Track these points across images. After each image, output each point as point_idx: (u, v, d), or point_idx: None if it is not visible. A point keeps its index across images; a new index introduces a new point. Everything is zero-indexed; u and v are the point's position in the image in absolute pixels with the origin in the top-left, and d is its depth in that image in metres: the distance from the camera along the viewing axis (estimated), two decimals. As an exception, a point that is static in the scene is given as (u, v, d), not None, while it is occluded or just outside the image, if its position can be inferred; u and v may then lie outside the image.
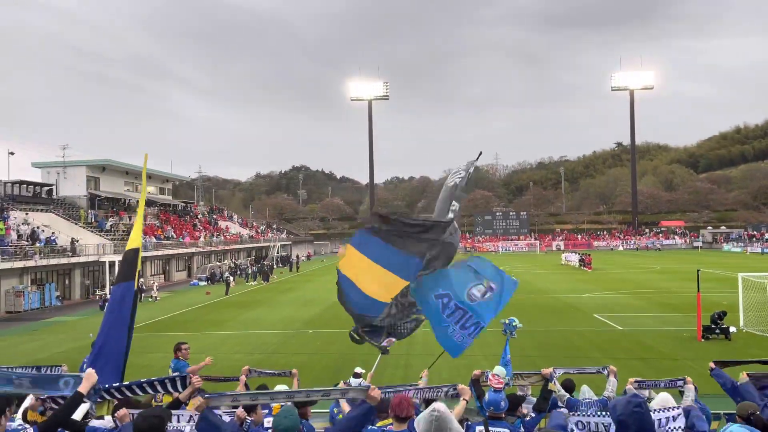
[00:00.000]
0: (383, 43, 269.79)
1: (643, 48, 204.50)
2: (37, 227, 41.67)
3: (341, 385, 5.69)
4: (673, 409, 4.61)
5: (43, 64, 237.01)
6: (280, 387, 7.19)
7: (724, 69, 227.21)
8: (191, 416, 5.17)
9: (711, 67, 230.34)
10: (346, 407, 5.21)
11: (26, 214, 43.77)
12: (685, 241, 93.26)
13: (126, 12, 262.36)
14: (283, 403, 4.83)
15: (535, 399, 7.02)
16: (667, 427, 4.48)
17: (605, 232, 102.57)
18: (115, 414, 4.90)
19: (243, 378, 7.73)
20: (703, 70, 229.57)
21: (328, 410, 8.00)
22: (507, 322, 8.34)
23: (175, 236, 58.78)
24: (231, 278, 44.87)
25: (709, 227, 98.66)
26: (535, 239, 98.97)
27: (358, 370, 9.84)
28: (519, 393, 7.03)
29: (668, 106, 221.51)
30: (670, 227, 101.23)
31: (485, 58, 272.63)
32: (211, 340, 22.68)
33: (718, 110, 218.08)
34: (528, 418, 6.24)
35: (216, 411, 4.35)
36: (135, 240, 7.72)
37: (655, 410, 4.66)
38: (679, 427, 4.44)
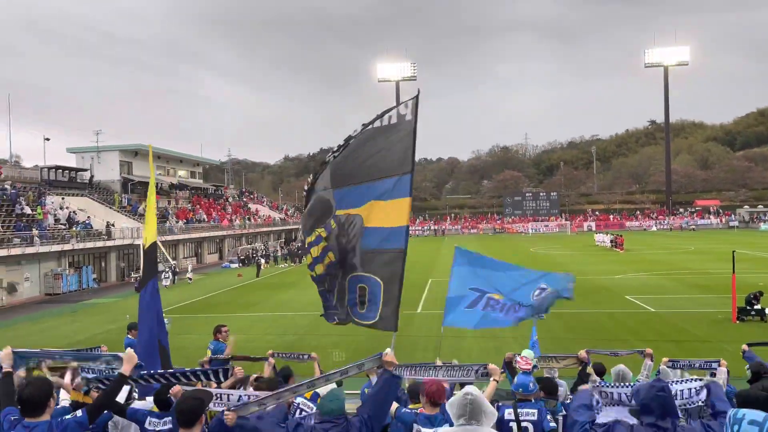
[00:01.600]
0: (411, 23, 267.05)
1: (679, 22, 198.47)
2: (73, 211, 42.69)
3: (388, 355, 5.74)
4: (695, 381, 4.62)
5: (76, 49, 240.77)
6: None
7: (762, 42, 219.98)
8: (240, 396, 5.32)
9: (749, 40, 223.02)
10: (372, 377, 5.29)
11: (62, 198, 44.86)
12: (721, 221, 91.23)
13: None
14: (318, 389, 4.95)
15: (564, 382, 7.05)
16: (690, 399, 4.51)
17: (638, 212, 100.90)
18: (171, 390, 5.07)
19: (272, 360, 7.86)
20: (740, 44, 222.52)
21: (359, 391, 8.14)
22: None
23: (206, 219, 59.65)
24: (262, 260, 45.41)
25: (746, 206, 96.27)
26: (566, 220, 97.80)
27: (388, 350, 9.94)
28: (546, 375, 7.06)
29: (704, 81, 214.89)
30: (705, 206, 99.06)
31: (515, 35, 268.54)
32: (244, 321, 23.10)
33: (755, 85, 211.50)
34: (568, 401, 6.22)
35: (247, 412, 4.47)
36: (151, 235, 7.84)
37: (678, 381, 4.68)
38: (701, 400, 4.46)
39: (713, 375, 6.77)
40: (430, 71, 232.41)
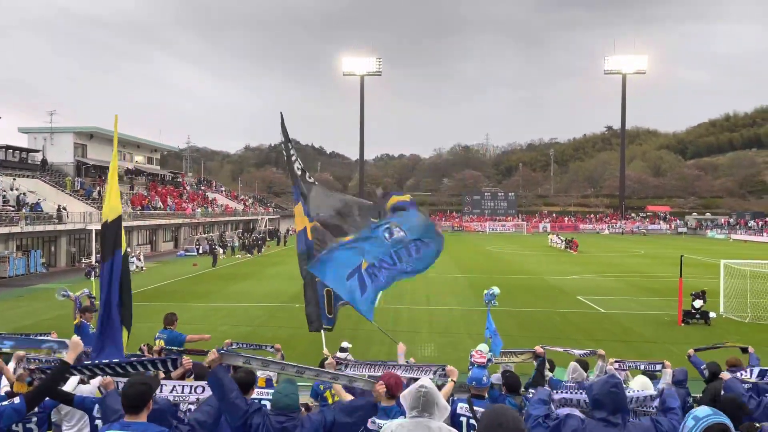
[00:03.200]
0: (378, 19, 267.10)
1: (640, 30, 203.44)
2: (23, 193, 41.28)
3: (330, 360, 5.73)
4: (651, 396, 4.78)
5: (32, 24, 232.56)
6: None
7: (718, 55, 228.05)
8: (174, 386, 5.23)
9: (705, 52, 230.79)
10: (340, 391, 5.24)
11: (13, 179, 43.31)
12: (670, 227, 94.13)
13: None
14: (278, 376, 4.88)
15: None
16: (644, 404, 4.63)
17: (592, 216, 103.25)
18: (102, 381, 4.92)
19: (213, 351, 7.69)
20: (697, 56, 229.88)
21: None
22: (487, 291, 8.54)
23: (162, 206, 58.49)
24: (220, 250, 44.75)
25: (695, 213, 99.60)
26: (522, 220, 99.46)
27: (344, 344, 9.95)
28: (504, 369, 7.12)
29: (660, 90, 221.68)
30: (656, 212, 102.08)
31: (481, 35, 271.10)
32: (198, 311, 22.74)
33: (709, 97, 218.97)
34: (529, 395, 6.27)
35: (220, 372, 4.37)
36: (116, 208, 7.35)
37: (633, 390, 4.81)
38: (655, 406, 4.60)
39: (654, 378, 7.00)
40: (396, 67, 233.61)
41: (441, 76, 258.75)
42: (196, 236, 59.35)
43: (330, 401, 6.37)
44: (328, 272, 7.39)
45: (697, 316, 20.47)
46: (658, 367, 7.07)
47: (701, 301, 20.62)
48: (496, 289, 8.56)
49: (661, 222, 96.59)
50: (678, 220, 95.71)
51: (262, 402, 5.55)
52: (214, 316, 21.95)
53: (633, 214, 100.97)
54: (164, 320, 9.99)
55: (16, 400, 4.19)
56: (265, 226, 78.30)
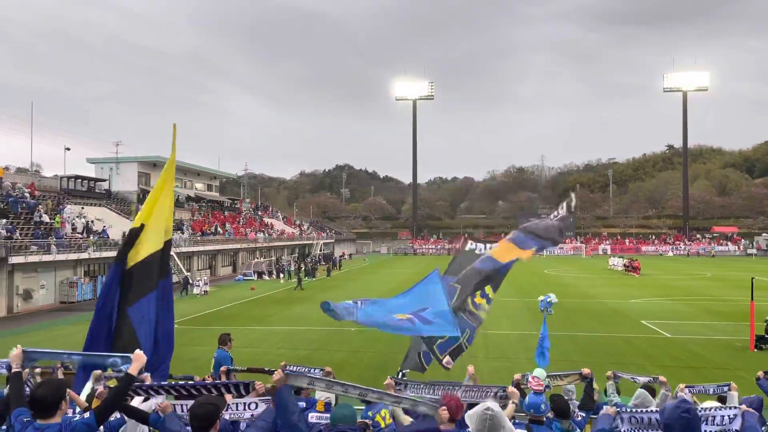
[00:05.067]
0: (430, 43, 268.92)
1: (699, 47, 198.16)
2: (91, 221, 43.08)
3: (389, 380, 5.74)
4: (731, 409, 4.51)
5: (99, 60, 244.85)
6: (321, 394, 7.29)
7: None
8: (229, 404, 5.30)
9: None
10: (399, 414, 5.22)
11: (81, 208, 45.31)
12: (739, 248, 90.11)
13: (178, 8, 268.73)
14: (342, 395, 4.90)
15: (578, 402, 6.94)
16: (724, 427, 4.39)
17: (654, 237, 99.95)
18: (158, 405, 5.02)
19: (279, 372, 7.77)
20: (760, 71, 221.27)
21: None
22: (543, 298, 8.35)
23: (221, 232, 59.96)
24: (281, 275, 45.19)
25: (764, 234, 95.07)
26: (581, 243, 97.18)
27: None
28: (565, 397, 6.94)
29: (723, 107, 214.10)
30: (723, 233, 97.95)
31: (534, 57, 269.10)
32: (256, 334, 23.08)
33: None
34: (578, 419, 6.18)
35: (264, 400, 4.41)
36: (168, 230, 7.34)
37: (709, 408, 4.56)
38: (735, 430, 4.34)
39: (723, 399, 6.67)
40: (448, 91, 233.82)
41: (494, 98, 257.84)
42: (253, 261, 60.43)
43: (382, 425, 6.29)
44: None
45: (772, 341, 19.45)
46: (725, 389, 6.77)
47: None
48: (552, 296, 8.34)
49: (729, 243, 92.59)
50: (746, 241, 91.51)
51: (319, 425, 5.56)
52: (271, 339, 22.22)
53: (698, 235, 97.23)
54: (218, 340, 10.59)
55: (87, 414, 4.30)
56: (320, 251, 79.12)
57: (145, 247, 6.86)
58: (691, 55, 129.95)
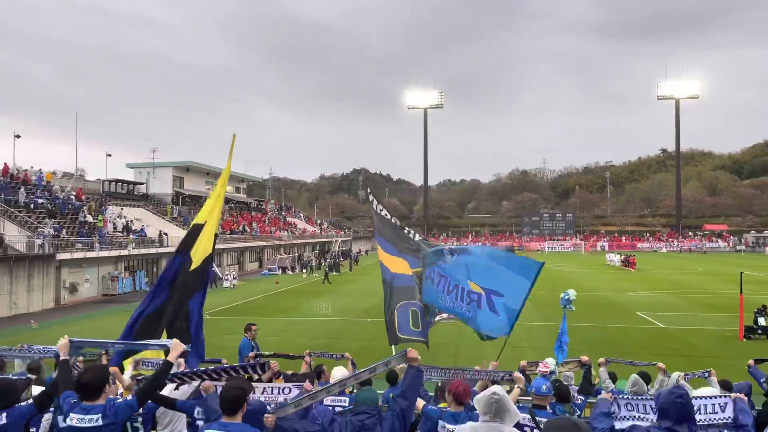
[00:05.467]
0: (440, 56, 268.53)
1: (692, 57, 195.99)
2: (130, 221, 43.51)
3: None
4: (721, 397, 4.41)
5: (138, 72, 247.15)
6: (339, 369, 7.35)
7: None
8: (264, 388, 5.34)
9: (758, 75, 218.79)
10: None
11: (121, 209, 45.77)
12: (729, 245, 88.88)
13: (209, 26, 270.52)
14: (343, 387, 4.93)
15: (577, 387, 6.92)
16: (714, 415, 4.30)
17: (649, 235, 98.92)
18: (201, 386, 5.09)
19: (308, 359, 7.90)
20: (749, 78, 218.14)
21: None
22: (563, 295, 8.25)
23: (248, 230, 60.24)
24: (304, 270, 45.31)
25: (753, 231, 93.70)
26: (581, 240, 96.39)
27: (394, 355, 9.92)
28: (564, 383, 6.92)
29: (714, 113, 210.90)
30: (714, 231, 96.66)
31: (537, 67, 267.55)
32: (280, 324, 23.17)
33: (763, 117, 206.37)
34: (578, 402, 6.19)
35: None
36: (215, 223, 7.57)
37: (701, 397, 4.49)
38: (728, 417, 4.25)
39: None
40: (457, 100, 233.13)
41: (499, 106, 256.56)
42: (277, 257, 60.64)
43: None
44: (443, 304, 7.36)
45: (759, 331, 19.18)
46: (705, 374, 6.74)
47: (764, 319, 19.32)
48: (572, 292, 8.21)
49: (719, 240, 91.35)
50: (734, 238, 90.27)
51: (336, 408, 5.59)
52: (294, 328, 22.29)
53: (690, 233, 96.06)
54: (244, 329, 10.72)
55: (129, 397, 4.38)
56: (339, 247, 79.24)
57: (204, 247, 7.05)
58: (683, 65, 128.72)
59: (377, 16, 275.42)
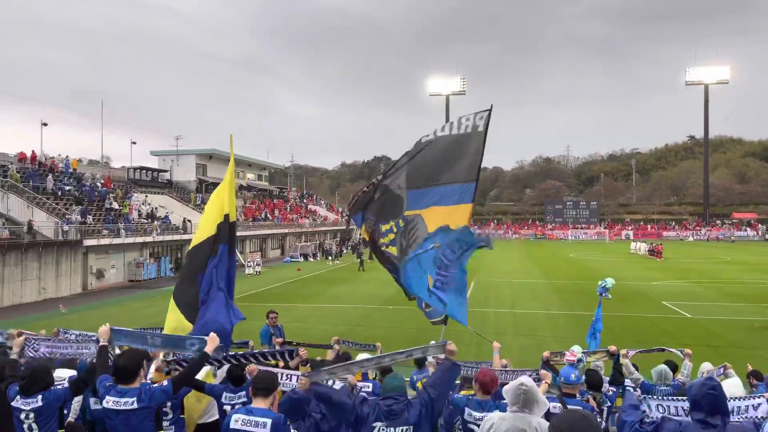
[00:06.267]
0: (462, 41, 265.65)
1: (721, 41, 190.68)
2: (155, 207, 44.16)
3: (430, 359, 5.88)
4: (754, 397, 4.39)
5: (162, 61, 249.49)
6: (364, 355, 7.39)
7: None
8: (289, 375, 5.43)
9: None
10: (432, 371, 5.36)
11: (145, 196, 46.47)
12: (758, 233, 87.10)
13: (234, 15, 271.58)
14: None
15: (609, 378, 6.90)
16: (747, 414, 4.28)
17: (675, 223, 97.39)
18: (247, 369, 5.33)
19: (336, 347, 7.93)
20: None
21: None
22: (601, 283, 8.17)
23: (270, 218, 60.73)
24: (327, 257, 45.50)
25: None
26: (605, 228, 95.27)
27: (432, 343, 9.91)
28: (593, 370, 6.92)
29: (744, 99, 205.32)
30: (743, 219, 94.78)
31: (561, 53, 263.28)
32: (302, 311, 23.40)
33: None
34: (610, 393, 6.19)
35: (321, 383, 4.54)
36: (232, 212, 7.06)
37: (734, 399, 4.46)
38: (762, 417, 4.22)
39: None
40: (479, 86, 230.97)
41: (522, 92, 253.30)
42: (299, 244, 61.07)
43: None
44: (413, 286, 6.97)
45: (790, 322, 18.83)
46: (720, 369, 6.69)
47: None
48: (610, 281, 8.13)
49: (748, 229, 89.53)
50: (764, 226, 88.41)
51: (362, 392, 5.67)
52: (316, 315, 22.50)
53: (718, 221, 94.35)
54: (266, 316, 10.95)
55: (165, 382, 4.50)
56: (359, 235, 79.44)
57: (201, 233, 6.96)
58: (712, 50, 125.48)
59: (400, 1, 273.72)
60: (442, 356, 4.68)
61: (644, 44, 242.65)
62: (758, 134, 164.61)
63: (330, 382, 4.95)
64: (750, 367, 7.69)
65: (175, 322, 6.28)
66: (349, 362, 4.88)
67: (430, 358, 6.64)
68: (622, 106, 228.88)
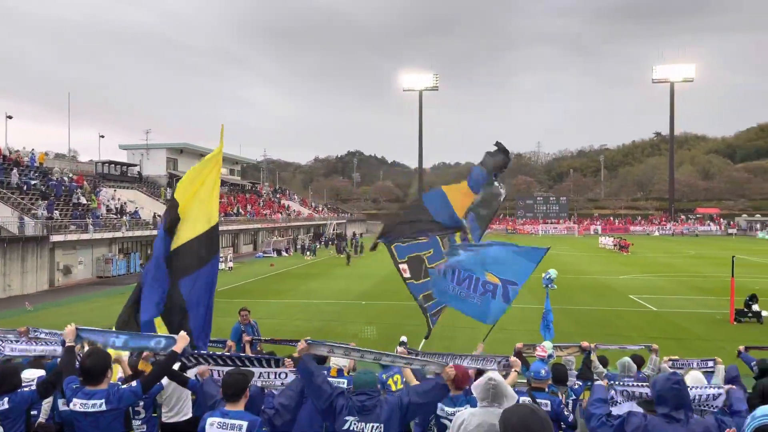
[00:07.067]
0: (435, 37, 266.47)
1: (687, 40, 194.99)
2: (124, 203, 43.33)
3: (402, 350, 5.86)
4: (714, 387, 4.54)
5: (132, 53, 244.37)
6: (338, 360, 7.31)
7: (765, 60, 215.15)
8: (261, 373, 5.35)
9: (752, 59, 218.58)
10: (410, 376, 5.34)
11: (114, 190, 45.55)
12: (720, 228, 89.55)
13: (207, 7, 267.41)
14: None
15: (576, 372, 7.02)
16: (706, 403, 4.43)
17: (641, 218, 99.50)
18: (197, 370, 5.11)
19: (302, 342, 7.74)
20: (744, 62, 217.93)
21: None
22: (544, 275, 8.30)
23: (242, 213, 60.14)
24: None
25: (744, 215, 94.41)
26: (574, 223, 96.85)
27: (403, 339, 9.93)
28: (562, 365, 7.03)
29: (708, 97, 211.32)
30: (706, 214, 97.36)
31: (533, 49, 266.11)
32: (275, 307, 23.26)
33: (756, 101, 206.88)
34: (576, 387, 6.31)
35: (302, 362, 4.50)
36: (212, 217, 7.22)
37: (695, 387, 4.60)
38: (717, 406, 4.37)
39: (710, 373, 6.71)
40: (452, 82, 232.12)
41: (494, 88, 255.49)
42: (272, 239, 60.62)
43: (393, 389, 6.37)
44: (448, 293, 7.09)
45: (750, 314, 19.41)
46: (710, 364, 6.83)
47: (757, 306, 19.55)
48: (553, 272, 8.24)
49: (711, 224, 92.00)
50: (726, 221, 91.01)
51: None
52: (289, 311, 22.38)
53: (683, 216, 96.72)
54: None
55: (134, 383, 4.42)
56: (333, 230, 79.25)
57: (187, 232, 6.69)
58: (679, 48, 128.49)
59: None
60: (436, 373, 4.63)
61: (613, 42, 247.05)
62: (721, 131, 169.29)
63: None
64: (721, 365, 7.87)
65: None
66: (349, 347, 4.84)
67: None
68: (592, 102, 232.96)
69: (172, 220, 6.55)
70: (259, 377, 5.31)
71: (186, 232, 6.53)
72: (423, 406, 4.46)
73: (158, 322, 6.12)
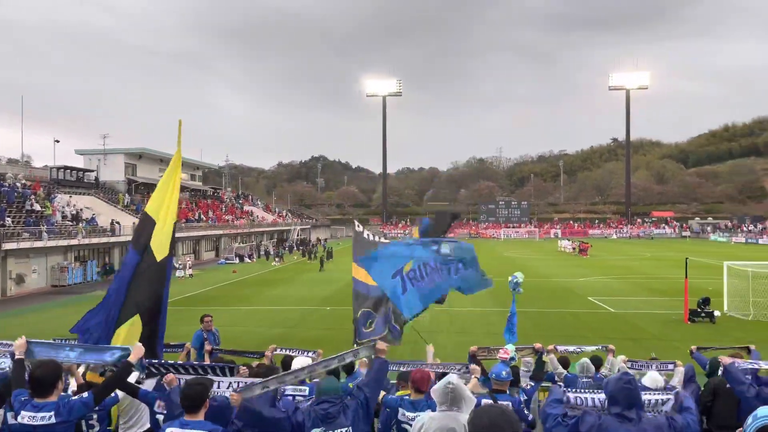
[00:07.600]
0: (399, 44, 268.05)
1: (644, 49, 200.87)
2: (80, 209, 42.09)
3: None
4: (664, 392, 4.66)
5: (87, 55, 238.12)
6: (300, 359, 7.25)
7: (718, 69, 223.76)
8: (230, 383, 5.26)
9: (706, 67, 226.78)
10: (364, 370, 5.36)
11: (70, 197, 44.20)
12: (675, 231, 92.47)
13: (166, 9, 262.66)
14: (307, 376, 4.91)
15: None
16: (655, 408, 4.54)
17: (600, 222, 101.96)
18: (164, 379, 5.00)
19: (268, 354, 7.65)
20: (697, 70, 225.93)
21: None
22: (510, 278, 8.30)
23: (204, 219, 59.15)
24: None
25: (697, 218, 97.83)
26: (535, 227, 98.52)
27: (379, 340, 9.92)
28: (523, 369, 7.18)
29: (662, 104, 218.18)
30: (661, 218, 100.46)
31: (494, 57, 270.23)
32: (238, 314, 22.92)
33: (708, 108, 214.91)
34: (528, 387, 6.42)
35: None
36: (173, 213, 7.07)
37: (649, 390, 4.72)
38: (667, 411, 4.49)
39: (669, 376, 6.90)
40: (415, 88, 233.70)
41: (457, 94, 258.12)
42: (234, 245, 59.78)
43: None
44: (375, 267, 7.03)
45: (703, 314, 20.06)
46: (670, 366, 7.00)
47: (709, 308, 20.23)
48: (519, 276, 8.22)
49: (666, 227, 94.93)
50: (678, 223, 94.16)
51: (296, 397, 5.59)
52: (252, 318, 22.10)
53: (639, 220, 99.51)
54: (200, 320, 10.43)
55: (85, 394, 4.28)
56: (297, 236, 78.68)
57: (161, 245, 6.64)
58: (634, 57, 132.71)
59: (336, 1, 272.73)
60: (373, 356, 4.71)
61: (572, 50, 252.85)
62: (675, 137, 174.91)
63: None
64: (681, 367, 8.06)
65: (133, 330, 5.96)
66: (282, 374, 4.76)
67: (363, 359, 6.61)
68: (551, 109, 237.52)
69: (147, 237, 6.53)
70: (228, 387, 5.21)
71: (161, 249, 6.49)
72: (377, 390, 4.59)
73: (132, 322, 6.04)
